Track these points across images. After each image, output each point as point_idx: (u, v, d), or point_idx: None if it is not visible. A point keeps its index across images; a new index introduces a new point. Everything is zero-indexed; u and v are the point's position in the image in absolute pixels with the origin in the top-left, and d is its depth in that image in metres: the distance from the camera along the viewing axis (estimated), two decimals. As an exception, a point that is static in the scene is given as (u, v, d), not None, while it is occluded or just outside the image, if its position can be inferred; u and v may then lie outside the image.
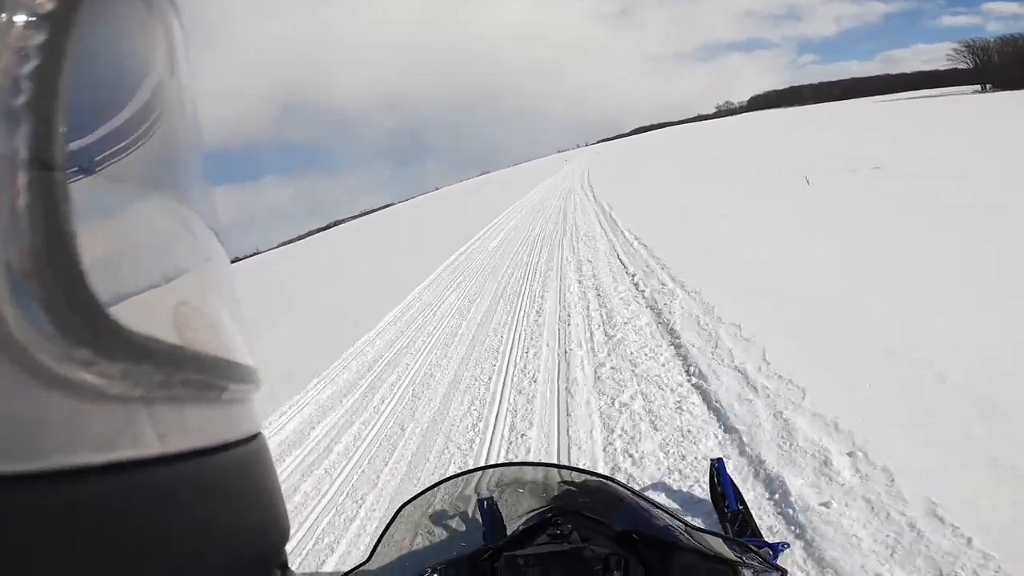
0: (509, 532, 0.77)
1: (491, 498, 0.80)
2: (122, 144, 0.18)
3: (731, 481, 1.59)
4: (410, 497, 0.92)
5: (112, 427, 0.16)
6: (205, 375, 0.21)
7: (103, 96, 0.18)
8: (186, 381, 0.19)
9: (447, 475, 0.94)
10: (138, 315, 0.17)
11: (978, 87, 52.30)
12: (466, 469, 0.97)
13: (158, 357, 0.18)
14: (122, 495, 0.16)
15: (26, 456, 0.14)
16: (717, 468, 1.68)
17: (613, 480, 0.79)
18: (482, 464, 1.11)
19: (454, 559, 0.80)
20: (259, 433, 0.26)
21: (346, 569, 0.78)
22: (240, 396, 0.24)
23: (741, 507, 1.60)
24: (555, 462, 1.12)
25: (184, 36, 0.23)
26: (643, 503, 0.73)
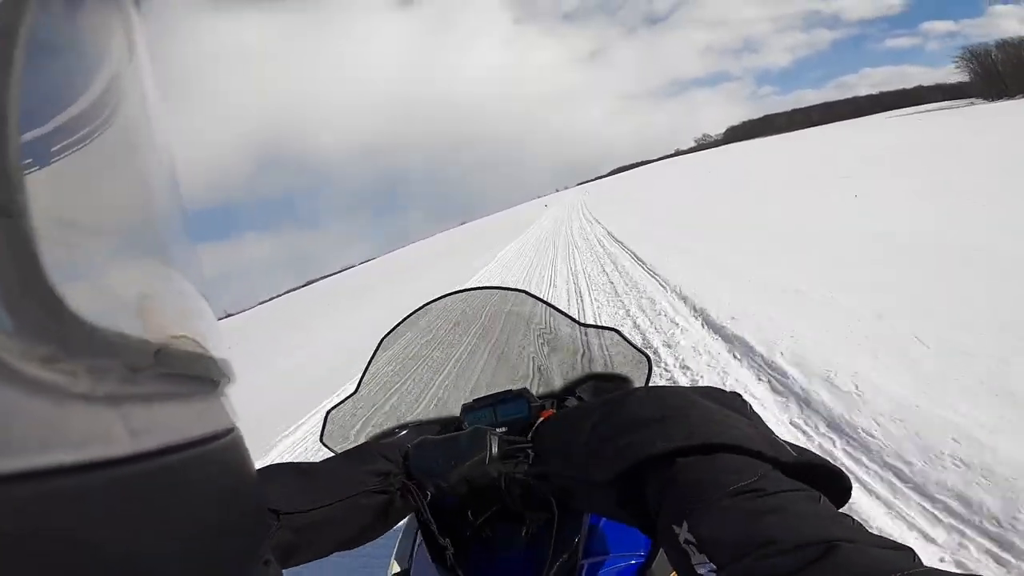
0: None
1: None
2: (78, 135, 0.17)
3: None
4: (389, 329, 1.09)
5: (80, 425, 0.15)
6: (174, 370, 0.20)
7: (58, 86, 0.17)
8: (155, 377, 0.19)
9: (425, 301, 1.11)
10: (101, 309, 0.17)
11: (976, 96, 45.77)
12: (443, 294, 1.12)
13: (124, 352, 0.17)
14: (95, 493, 0.16)
15: None
16: None
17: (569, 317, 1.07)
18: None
19: (427, 420, 1.09)
20: (235, 427, 0.25)
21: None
22: (212, 390, 0.24)
23: None
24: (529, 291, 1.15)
25: (142, 26, 0.22)
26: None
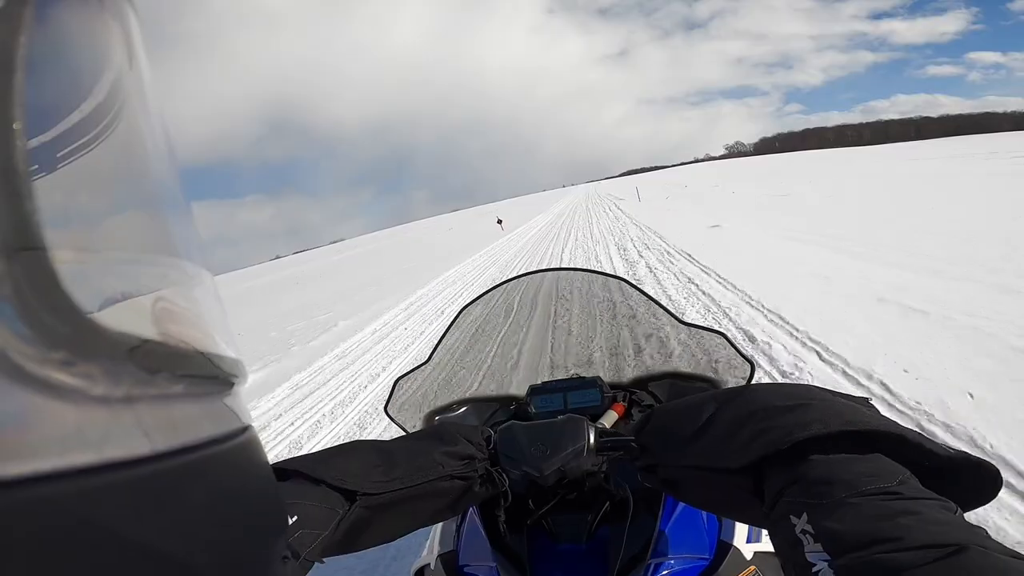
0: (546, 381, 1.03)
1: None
2: (83, 140, 0.18)
3: None
4: (471, 299, 1.11)
5: (96, 427, 0.16)
6: (188, 370, 0.21)
7: (60, 92, 0.18)
8: (169, 378, 0.19)
9: (508, 277, 1.16)
10: (115, 313, 0.17)
11: None
12: (527, 272, 1.15)
13: (139, 355, 0.18)
14: (112, 494, 0.16)
15: (8, 459, 0.14)
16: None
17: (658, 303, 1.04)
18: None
19: (490, 397, 1.12)
20: (249, 426, 0.26)
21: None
22: (226, 390, 0.25)
23: None
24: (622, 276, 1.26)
25: (141, 29, 0.23)
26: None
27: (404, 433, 0.83)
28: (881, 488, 0.36)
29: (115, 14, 0.21)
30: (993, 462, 0.39)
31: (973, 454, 0.40)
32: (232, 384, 0.25)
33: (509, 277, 1.12)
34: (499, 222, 22.23)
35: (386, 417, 1.02)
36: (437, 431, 0.69)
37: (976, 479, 0.40)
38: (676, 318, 1.00)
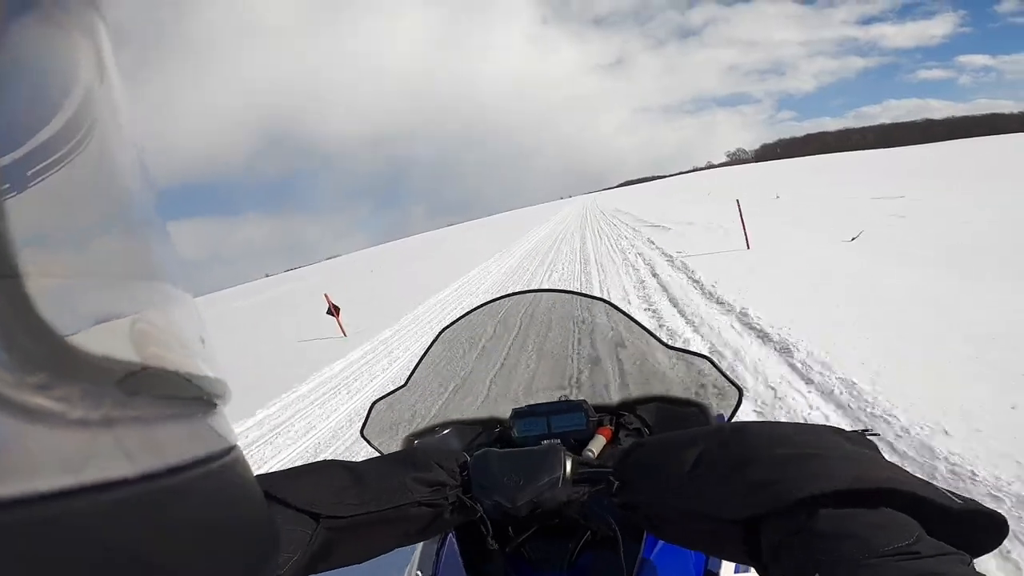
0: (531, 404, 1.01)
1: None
2: (55, 156, 0.18)
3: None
4: (450, 322, 1.09)
5: (77, 449, 0.16)
6: (168, 392, 0.21)
7: (28, 107, 0.17)
8: (149, 399, 0.19)
9: (487, 299, 1.12)
10: (92, 335, 0.17)
11: None
12: (505, 293, 1.14)
13: (117, 377, 0.18)
14: (93, 518, 0.16)
15: None
16: None
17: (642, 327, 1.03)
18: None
19: (472, 420, 1.10)
20: (235, 446, 0.26)
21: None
22: (209, 410, 0.24)
23: None
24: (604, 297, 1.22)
25: (110, 39, 0.23)
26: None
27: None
28: (899, 548, 0.35)
29: (85, 28, 0.20)
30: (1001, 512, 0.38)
31: (979, 503, 0.39)
32: (215, 404, 0.24)
33: (490, 299, 1.11)
34: (331, 312, 8.11)
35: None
36: (410, 455, 0.68)
37: (983, 528, 0.39)
38: (662, 343, 1.00)
